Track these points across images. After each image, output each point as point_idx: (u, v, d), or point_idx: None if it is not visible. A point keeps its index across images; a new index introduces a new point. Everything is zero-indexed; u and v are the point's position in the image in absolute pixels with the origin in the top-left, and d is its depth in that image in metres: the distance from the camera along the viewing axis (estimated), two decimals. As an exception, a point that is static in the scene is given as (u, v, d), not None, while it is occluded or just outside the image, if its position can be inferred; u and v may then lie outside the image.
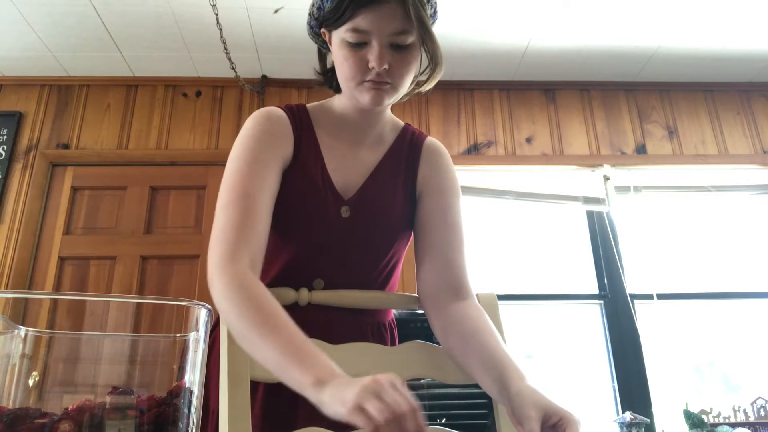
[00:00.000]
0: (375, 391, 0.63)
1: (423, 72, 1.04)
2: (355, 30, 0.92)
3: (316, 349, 0.74)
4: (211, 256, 0.86)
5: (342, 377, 0.70)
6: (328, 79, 1.09)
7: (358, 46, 0.94)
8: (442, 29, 2.73)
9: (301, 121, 1.05)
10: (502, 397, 0.83)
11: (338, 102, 1.07)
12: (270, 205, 0.94)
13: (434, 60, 0.99)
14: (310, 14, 1.02)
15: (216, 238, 0.88)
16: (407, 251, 1.11)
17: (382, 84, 0.95)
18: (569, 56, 2.98)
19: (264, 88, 3.08)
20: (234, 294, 0.80)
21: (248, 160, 0.95)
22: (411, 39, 0.93)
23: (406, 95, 1.07)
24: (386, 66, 0.93)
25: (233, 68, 2.88)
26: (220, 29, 2.62)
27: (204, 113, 3.04)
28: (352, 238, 1.01)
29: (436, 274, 1.00)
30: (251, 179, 0.93)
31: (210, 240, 0.89)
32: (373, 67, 0.93)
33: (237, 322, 0.79)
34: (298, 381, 0.72)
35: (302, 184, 1.00)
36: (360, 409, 0.63)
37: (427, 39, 0.95)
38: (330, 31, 0.98)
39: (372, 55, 0.93)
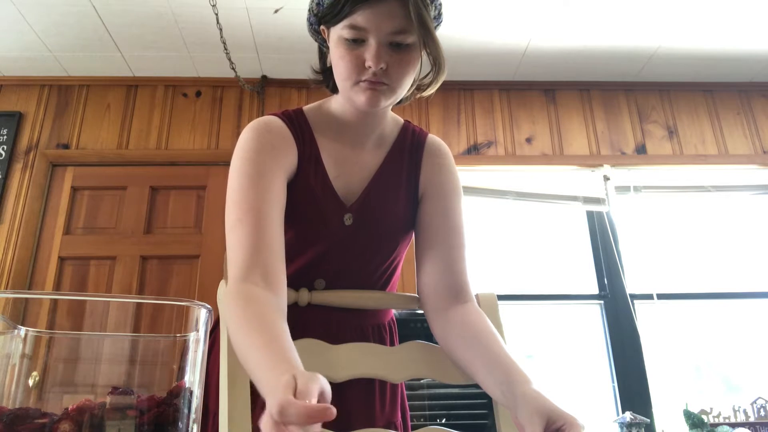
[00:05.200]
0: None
1: (426, 76, 1.01)
2: (352, 27, 0.90)
3: (294, 355, 0.72)
4: (228, 278, 0.86)
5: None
6: (326, 79, 1.06)
7: (355, 43, 0.91)
8: (442, 29, 2.73)
9: (301, 130, 1.02)
10: (506, 400, 0.82)
11: (336, 103, 1.04)
12: (279, 215, 0.92)
13: (437, 63, 0.96)
14: (309, 10, 0.99)
15: (229, 260, 0.87)
16: (408, 250, 1.10)
17: (378, 84, 0.91)
18: (569, 56, 2.98)
19: (264, 88, 3.08)
20: (236, 309, 0.80)
21: (251, 174, 0.92)
22: (411, 39, 0.90)
23: (407, 99, 1.04)
24: (383, 66, 0.90)
25: (233, 68, 2.88)
26: (220, 29, 2.62)
27: (204, 113, 3.04)
28: (355, 243, 1.00)
29: (437, 277, 0.99)
30: (255, 193, 0.90)
31: (227, 260, 0.89)
32: (369, 66, 0.90)
33: (233, 333, 0.78)
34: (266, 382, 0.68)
35: (304, 193, 0.98)
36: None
37: (428, 40, 0.91)
38: (328, 28, 0.96)
39: (369, 54, 0.90)
